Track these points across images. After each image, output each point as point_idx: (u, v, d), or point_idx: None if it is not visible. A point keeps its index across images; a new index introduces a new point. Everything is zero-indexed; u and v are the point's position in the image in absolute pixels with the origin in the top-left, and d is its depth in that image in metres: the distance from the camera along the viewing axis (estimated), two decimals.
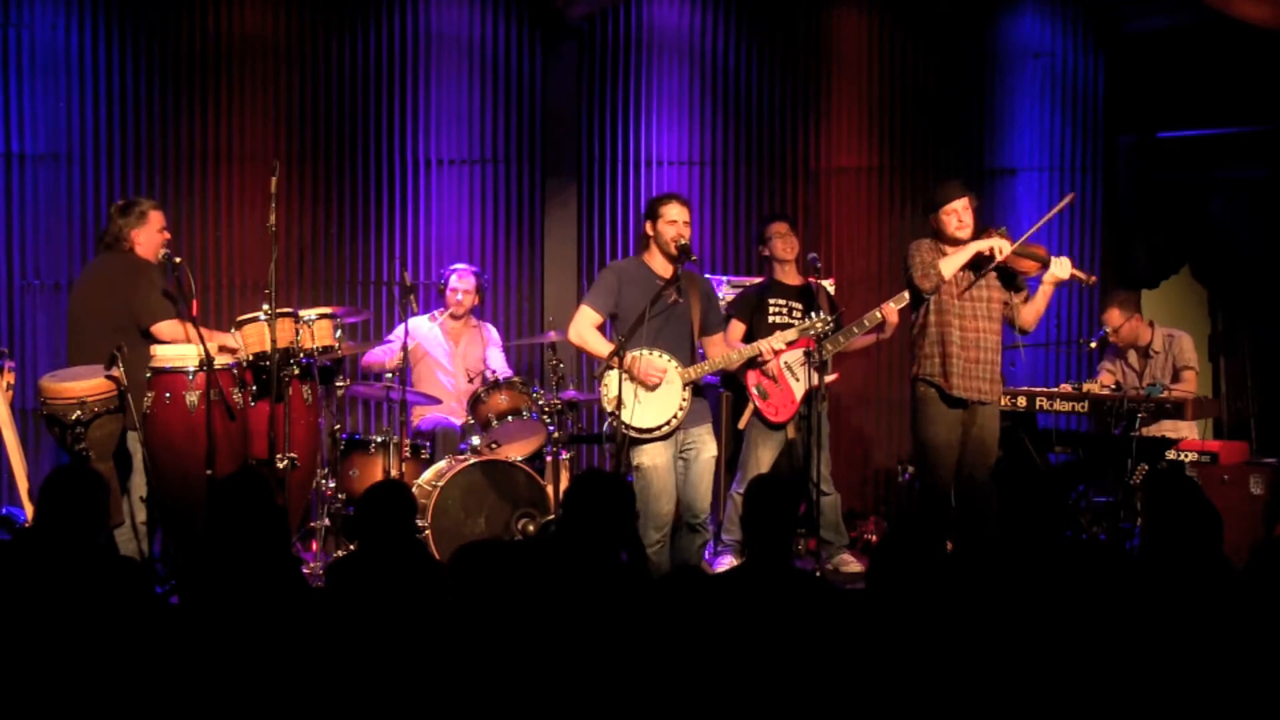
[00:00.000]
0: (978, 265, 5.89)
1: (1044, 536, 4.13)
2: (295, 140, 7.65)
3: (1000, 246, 5.84)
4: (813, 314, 5.89)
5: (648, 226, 5.60)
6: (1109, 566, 4.49)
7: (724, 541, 6.47)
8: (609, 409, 5.44)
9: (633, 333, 5.39)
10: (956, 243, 5.93)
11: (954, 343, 5.89)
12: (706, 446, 5.58)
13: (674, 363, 5.48)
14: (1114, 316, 6.86)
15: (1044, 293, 6.00)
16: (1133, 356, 6.91)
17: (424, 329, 7.13)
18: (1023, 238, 5.96)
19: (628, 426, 5.39)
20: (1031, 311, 6.03)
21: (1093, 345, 6.91)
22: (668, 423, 5.45)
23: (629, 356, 5.42)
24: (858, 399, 8.04)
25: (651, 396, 5.46)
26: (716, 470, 5.74)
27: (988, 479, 5.94)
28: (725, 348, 5.80)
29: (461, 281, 7.11)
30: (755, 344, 5.87)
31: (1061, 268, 5.91)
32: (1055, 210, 6.21)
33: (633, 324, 5.41)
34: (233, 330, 5.86)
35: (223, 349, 5.80)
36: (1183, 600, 3.58)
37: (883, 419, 8.11)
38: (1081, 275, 6.04)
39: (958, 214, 5.93)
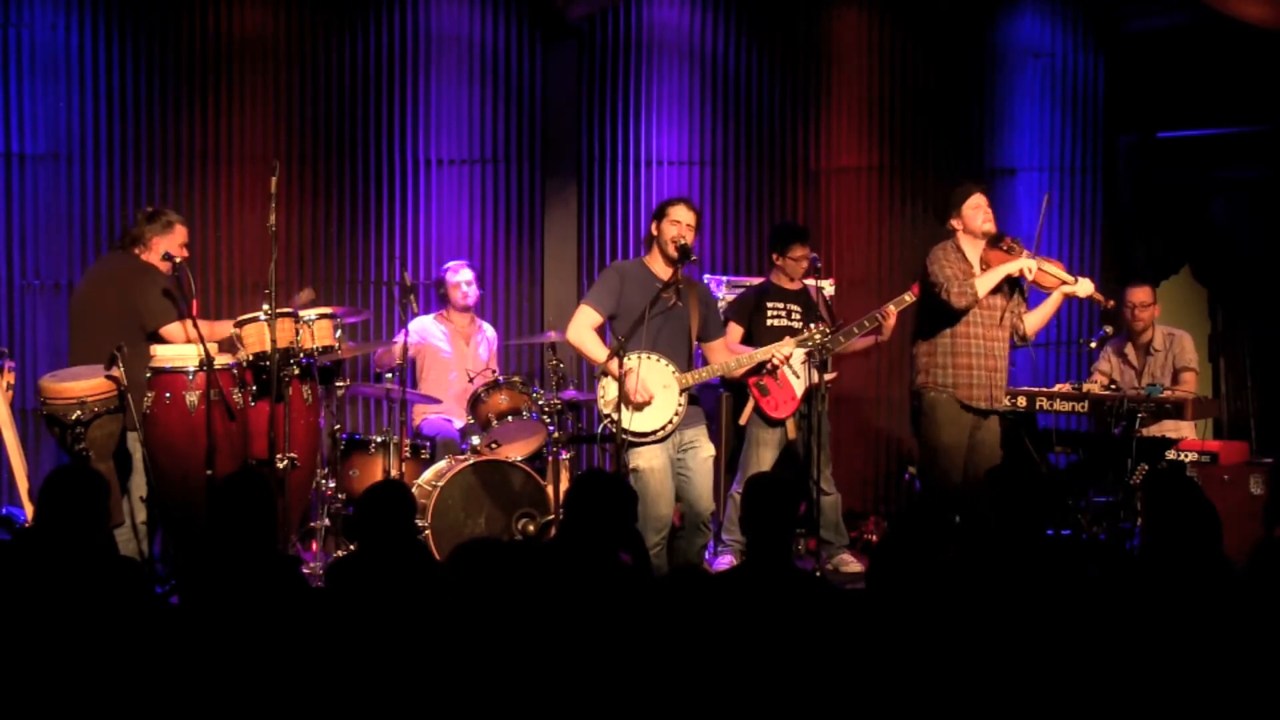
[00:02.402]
0: (1001, 290, 5.93)
1: (1043, 537, 4.12)
2: (295, 140, 7.65)
3: (1030, 267, 5.89)
4: (811, 325, 5.85)
5: (653, 227, 5.61)
6: (1109, 566, 4.49)
7: (724, 541, 6.47)
8: (606, 411, 5.44)
9: (632, 334, 5.39)
10: (980, 238, 5.96)
11: (974, 353, 5.92)
12: (703, 447, 5.56)
13: (671, 368, 5.47)
14: (1146, 293, 6.82)
15: (1054, 303, 6.06)
16: (1132, 353, 6.90)
17: (429, 328, 7.13)
18: (1033, 246, 6.00)
19: (624, 430, 5.39)
20: (1038, 320, 6.09)
21: (1093, 345, 6.91)
22: (664, 427, 5.44)
23: (626, 365, 5.40)
24: (858, 399, 8.04)
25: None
26: (716, 470, 5.73)
27: (986, 482, 5.95)
28: (726, 354, 5.77)
29: (462, 274, 7.12)
30: (763, 350, 5.76)
31: (1084, 287, 5.99)
32: (1042, 214, 6.22)
33: (632, 325, 5.41)
34: (233, 328, 5.87)
35: (222, 345, 5.81)
36: (1183, 600, 3.58)
37: (883, 419, 8.11)
38: (1100, 298, 6.10)
39: (983, 208, 5.99)
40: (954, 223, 6.03)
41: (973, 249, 6.01)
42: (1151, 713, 3.37)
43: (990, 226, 6.00)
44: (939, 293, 5.90)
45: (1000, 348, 5.99)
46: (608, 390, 5.44)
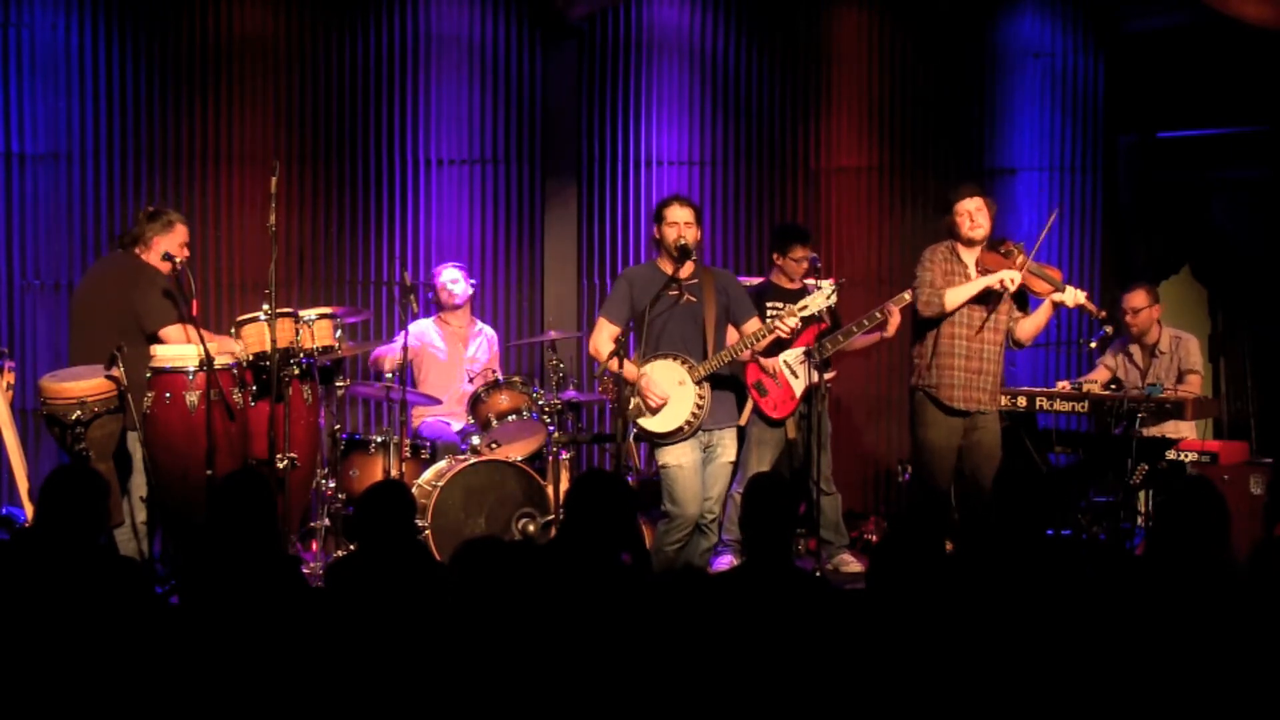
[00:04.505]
0: (987, 297, 5.92)
1: (1043, 537, 4.13)
2: (295, 140, 7.65)
3: (1011, 278, 5.87)
4: (819, 285, 5.76)
5: (655, 230, 5.60)
6: (1109, 566, 4.49)
7: (724, 541, 6.47)
8: (632, 418, 5.42)
9: (637, 337, 5.39)
10: (971, 244, 5.97)
11: (957, 354, 5.93)
12: (727, 450, 5.55)
13: (686, 363, 5.45)
14: (1140, 298, 6.82)
15: (1045, 311, 6.07)
16: (1138, 354, 6.90)
17: (428, 332, 7.13)
18: (1030, 256, 5.98)
19: (645, 431, 5.40)
20: (1031, 327, 6.08)
21: (1093, 345, 6.89)
22: (685, 425, 5.42)
23: (638, 370, 5.39)
24: (858, 399, 8.04)
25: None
26: (728, 482, 5.72)
27: (989, 483, 5.96)
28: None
29: (445, 274, 7.11)
30: (769, 323, 5.55)
31: (1072, 296, 5.96)
32: (1045, 229, 6.22)
33: (633, 329, 5.42)
34: (233, 331, 5.87)
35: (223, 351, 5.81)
36: (1184, 600, 3.58)
37: (883, 419, 8.11)
38: (1092, 308, 6.08)
39: (970, 215, 5.98)
40: (947, 222, 6.07)
41: (969, 250, 6.02)
42: (1151, 712, 3.37)
43: (979, 234, 5.98)
44: (915, 295, 5.98)
45: (991, 351, 5.98)
46: (632, 399, 5.44)
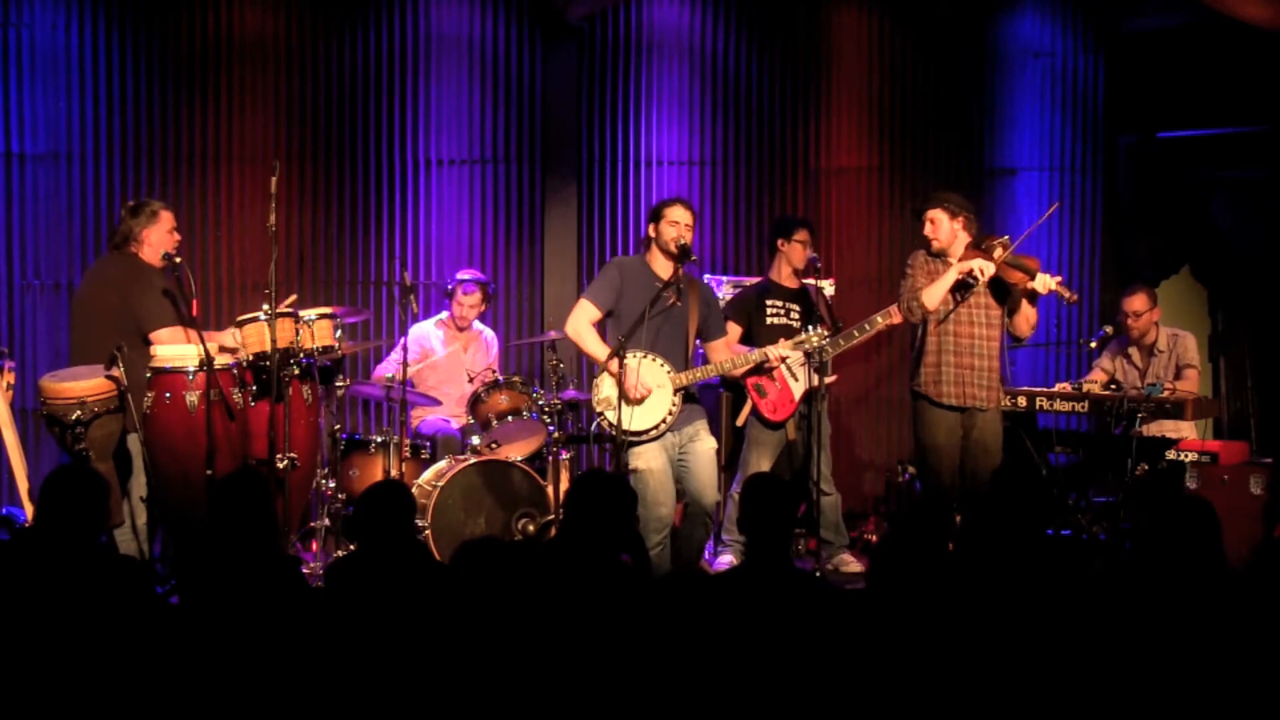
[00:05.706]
0: (964, 286, 5.91)
1: (1044, 536, 4.13)
2: (295, 140, 7.65)
3: (982, 267, 5.83)
4: (810, 328, 5.84)
5: (650, 228, 5.62)
6: (1109, 566, 4.49)
7: (724, 541, 6.48)
8: (599, 409, 5.46)
9: (632, 334, 5.40)
10: (940, 254, 5.96)
11: (946, 350, 5.91)
12: (703, 439, 5.58)
13: (666, 368, 5.49)
14: (1141, 301, 6.83)
15: (1025, 302, 6.02)
16: (1136, 355, 6.90)
17: (428, 335, 7.12)
18: (1013, 246, 5.94)
19: (618, 429, 5.40)
20: (1021, 320, 6.04)
21: (1093, 345, 6.90)
22: (657, 425, 5.45)
23: (628, 360, 5.41)
24: (857, 400, 8.05)
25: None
26: (717, 469, 5.74)
27: (990, 482, 5.95)
28: (727, 353, 5.79)
29: (468, 296, 7.06)
30: (759, 351, 5.80)
31: (1042, 283, 5.90)
32: (1042, 219, 6.20)
33: (632, 325, 5.41)
34: (232, 330, 5.86)
35: (223, 349, 5.80)
36: (1182, 601, 3.58)
37: (882, 419, 8.12)
38: (1065, 292, 6.02)
39: (930, 222, 5.98)
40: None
41: (938, 257, 6.04)
42: (1151, 713, 3.37)
43: (934, 246, 5.97)
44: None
45: (985, 346, 5.94)
46: (601, 388, 5.47)
